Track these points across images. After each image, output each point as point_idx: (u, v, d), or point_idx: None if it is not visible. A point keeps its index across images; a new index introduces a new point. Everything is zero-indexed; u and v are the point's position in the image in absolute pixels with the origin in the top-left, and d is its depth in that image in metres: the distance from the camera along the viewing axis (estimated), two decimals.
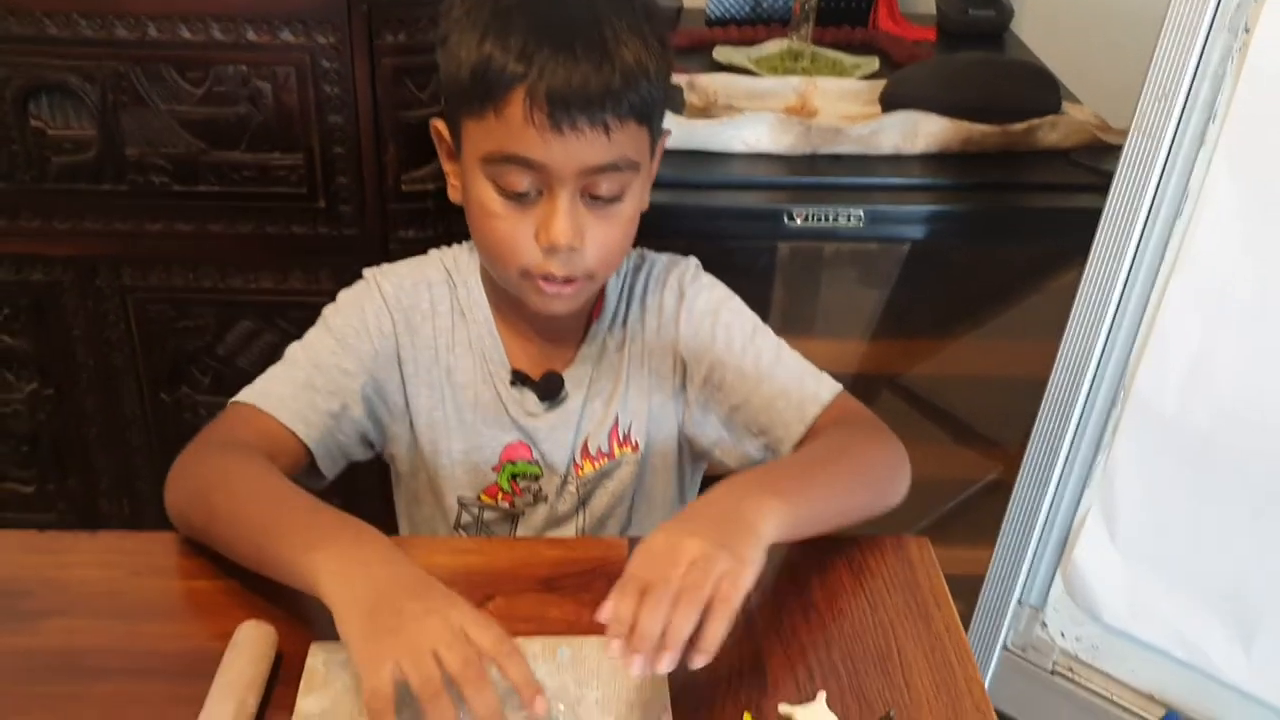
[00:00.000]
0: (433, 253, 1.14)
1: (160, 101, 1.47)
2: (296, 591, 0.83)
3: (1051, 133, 1.50)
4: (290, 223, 1.55)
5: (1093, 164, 1.46)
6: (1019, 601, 1.21)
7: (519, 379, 1.10)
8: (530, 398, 1.11)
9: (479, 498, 1.15)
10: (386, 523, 1.27)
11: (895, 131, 1.47)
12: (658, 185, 1.36)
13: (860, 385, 1.72)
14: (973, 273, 1.62)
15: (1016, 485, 1.18)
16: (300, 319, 1.12)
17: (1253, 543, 1.03)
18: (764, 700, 0.83)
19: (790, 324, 1.69)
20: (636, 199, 1.02)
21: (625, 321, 1.12)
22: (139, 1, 1.42)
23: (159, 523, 0.97)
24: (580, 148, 0.94)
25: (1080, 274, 1.10)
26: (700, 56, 1.77)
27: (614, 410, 1.12)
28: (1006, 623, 1.22)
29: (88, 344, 1.62)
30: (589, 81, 0.92)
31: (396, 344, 1.09)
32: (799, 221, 1.39)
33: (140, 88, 1.45)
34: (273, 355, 1.07)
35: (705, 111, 1.57)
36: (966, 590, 0.95)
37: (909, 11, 1.94)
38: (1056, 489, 1.15)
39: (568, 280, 1.00)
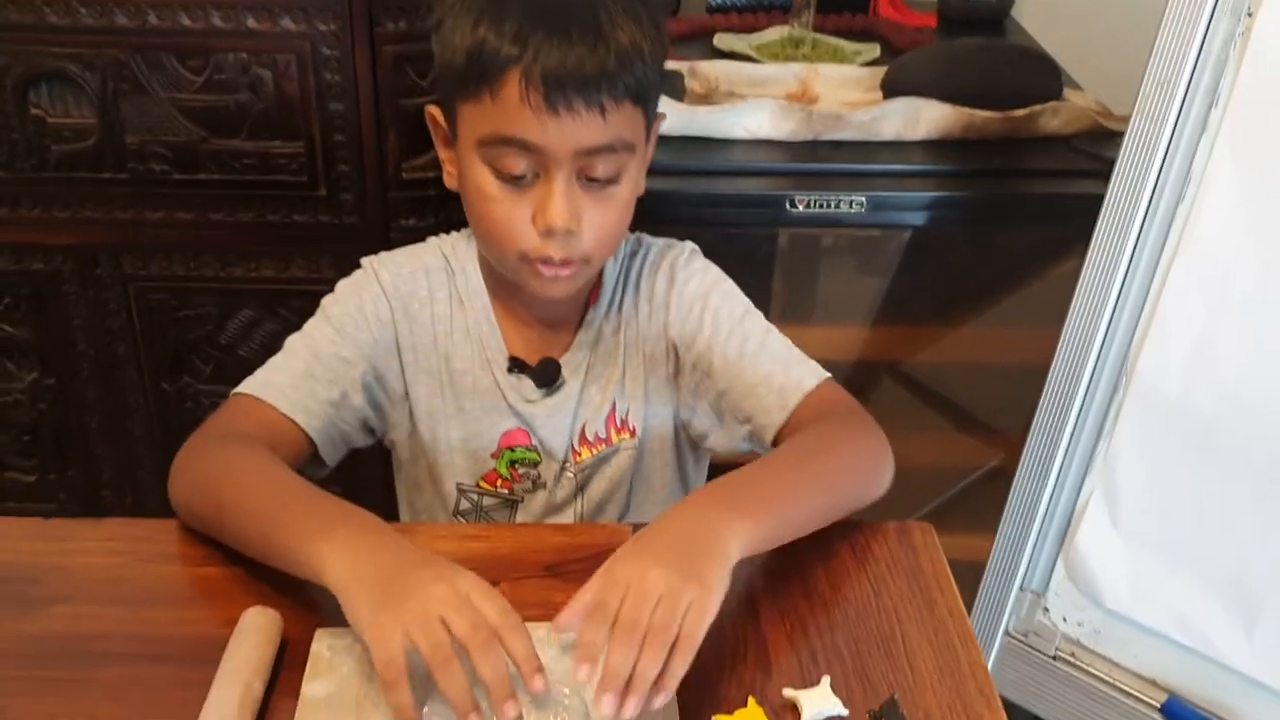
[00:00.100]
0: (431, 240, 1.14)
1: (160, 89, 1.46)
2: (301, 578, 0.84)
3: (1053, 119, 1.50)
4: (291, 211, 1.55)
5: (1094, 150, 1.46)
6: (1021, 587, 1.21)
7: (516, 366, 1.10)
8: (527, 384, 1.11)
9: (478, 484, 1.15)
10: (388, 510, 1.28)
11: (897, 118, 1.47)
12: (659, 172, 1.37)
13: (861, 372, 1.73)
14: (974, 259, 1.62)
15: (1018, 471, 1.18)
16: (301, 308, 1.12)
17: (1255, 526, 1.03)
18: (768, 684, 0.83)
19: (791, 311, 1.70)
20: (632, 181, 1.02)
21: (621, 307, 1.12)
22: None
23: (161, 512, 0.97)
24: (576, 129, 0.93)
25: (1081, 260, 1.10)
26: (701, 43, 1.77)
27: (611, 396, 1.13)
28: (1008, 608, 1.22)
29: (89, 333, 1.62)
30: (584, 63, 0.92)
31: (395, 332, 1.09)
32: (800, 208, 1.39)
33: (140, 76, 1.45)
34: (274, 344, 1.07)
35: (706, 98, 1.57)
36: (967, 577, 0.95)
37: None
38: (1058, 474, 1.16)
39: (565, 263, 1.00)
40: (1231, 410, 1.03)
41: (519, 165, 0.96)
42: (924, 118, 1.48)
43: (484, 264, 1.10)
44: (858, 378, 1.74)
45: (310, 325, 1.08)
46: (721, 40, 1.76)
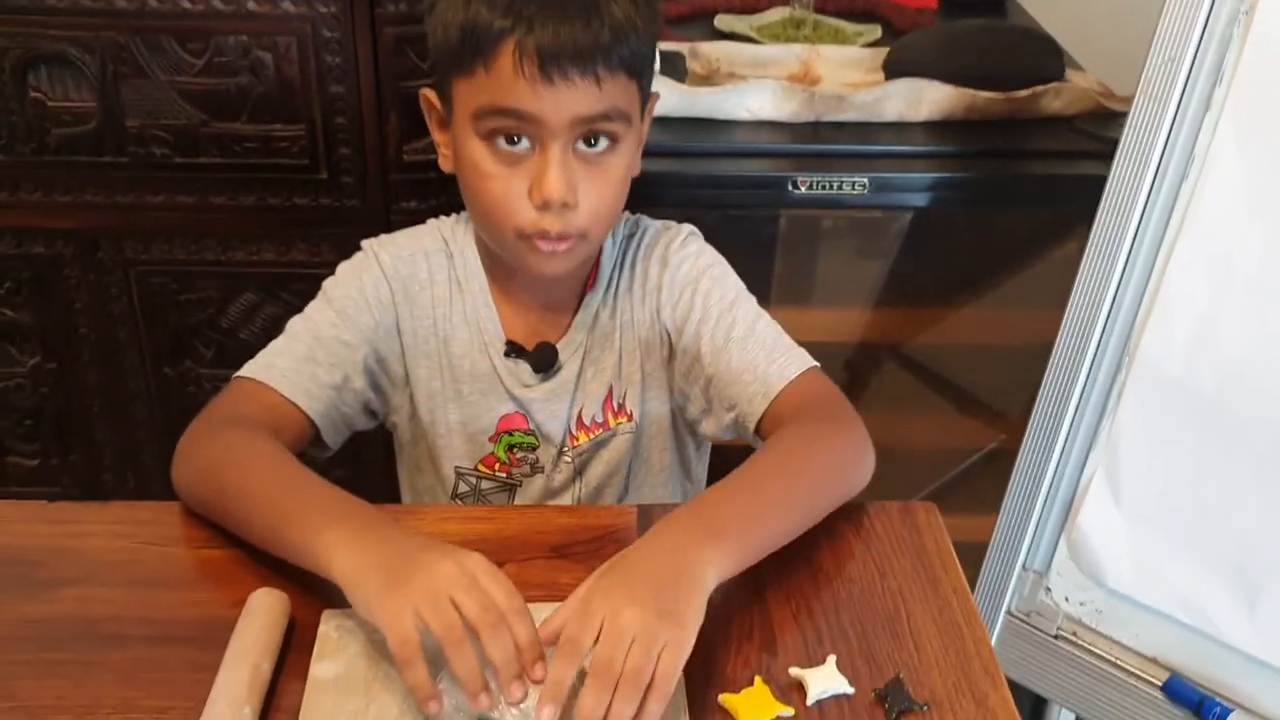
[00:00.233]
0: (430, 222, 1.14)
1: (160, 72, 1.46)
2: (305, 568, 0.84)
3: (1055, 100, 1.50)
4: (292, 194, 1.54)
5: (1096, 131, 1.46)
6: (1023, 567, 1.21)
7: (513, 350, 1.10)
8: (525, 369, 1.11)
9: (476, 468, 1.15)
10: (391, 493, 1.28)
11: (899, 99, 1.47)
12: (661, 153, 1.37)
13: (862, 354, 1.74)
14: (976, 241, 1.62)
15: (1021, 451, 1.18)
16: (303, 291, 1.13)
17: (1258, 506, 1.04)
18: (774, 664, 0.83)
19: (793, 293, 1.70)
20: (628, 157, 1.02)
21: (618, 291, 1.12)
22: None
23: (163, 496, 0.97)
24: (571, 98, 0.94)
25: (1083, 241, 1.10)
26: (702, 24, 1.76)
27: (608, 380, 1.13)
28: (1010, 588, 1.23)
29: (90, 317, 1.62)
30: (579, 36, 0.92)
31: (396, 314, 1.09)
32: (802, 189, 1.39)
33: (140, 58, 1.45)
34: (275, 327, 1.07)
35: (708, 79, 1.56)
36: (968, 557, 0.95)
37: None
38: (1061, 454, 1.16)
39: (562, 238, 0.99)
40: (1234, 390, 1.03)
41: (514, 136, 0.96)
42: (926, 99, 1.47)
43: (481, 247, 1.10)
44: (859, 360, 1.74)
45: (311, 308, 1.08)
46: (722, 21, 1.75)
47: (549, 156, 0.96)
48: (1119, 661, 1.16)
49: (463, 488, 1.16)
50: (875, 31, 1.74)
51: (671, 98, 1.43)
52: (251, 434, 0.96)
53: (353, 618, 0.84)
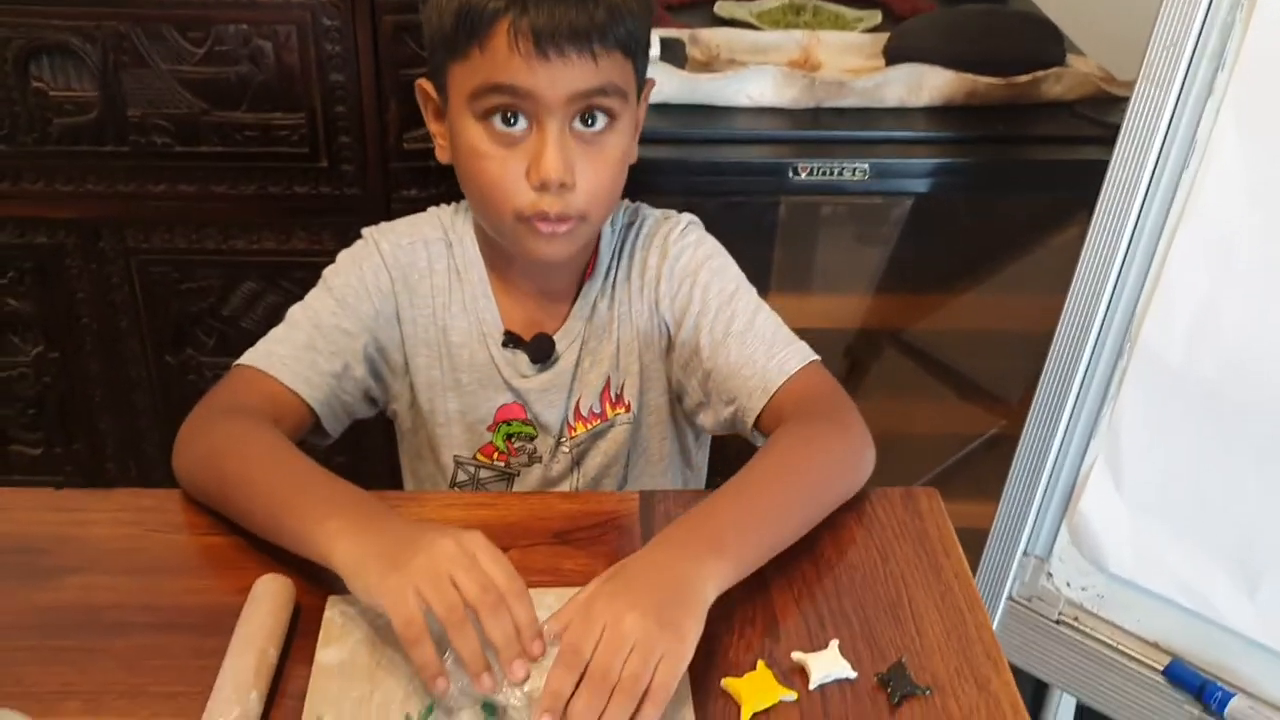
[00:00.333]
0: (430, 210, 1.14)
1: (161, 61, 1.46)
2: (305, 557, 0.84)
3: (1056, 85, 1.50)
4: (293, 183, 1.55)
5: (1097, 116, 1.46)
6: (1025, 553, 1.21)
7: (511, 340, 1.10)
8: (522, 359, 1.11)
9: (475, 457, 1.15)
10: (392, 480, 1.28)
11: (899, 85, 1.47)
12: (661, 140, 1.37)
13: (863, 341, 1.74)
14: (976, 227, 1.62)
15: (1022, 437, 1.18)
16: (304, 279, 1.13)
17: (1259, 491, 1.04)
18: (777, 649, 0.84)
19: (793, 280, 1.70)
20: (625, 138, 1.02)
21: (616, 280, 1.12)
22: None
23: (166, 484, 0.98)
24: (568, 74, 0.93)
25: (1084, 226, 1.10)
26: (702, 11, 1.76)
27: (605, 371, 1.13)
28: (1012, 574, 1.23)
29: (92, 307, 1.62)
30: (574, 17, 0.92)
31: (396, 303, 1.09)
32: (803, 175, 1.39)
33: (141, 48, 1.45)
34: (276, 316, 1.07)
35: (708, 66, 1.56)
36: (969, 543, 0.95)
37: None
38: (1062, 441, 1.16)
39: (561, 220, 0.99)
40: (1235, 376, 1.03)
41: (510, 108, 0.95)
42: (927, 84, 1.47)
43: (480, 236, 1.10)
44: (860, 346, 1.74)
45: (312, 296, 1.08)
46: (722, 8, 1.75)
47: (546, 136, 0.96)
48: (1120, 646, 1.16)
49: (461, 476, 1.16)
50: (875, 17, 1.74)
51: (672, 84, 1.43)
52: (252, 423, 0.96)
53: (357, 604, 0.84)
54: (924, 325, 1.74)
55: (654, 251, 1.11)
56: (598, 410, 1.14)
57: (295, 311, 1.07)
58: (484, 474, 1.16)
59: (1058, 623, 1.20)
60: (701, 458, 1.25)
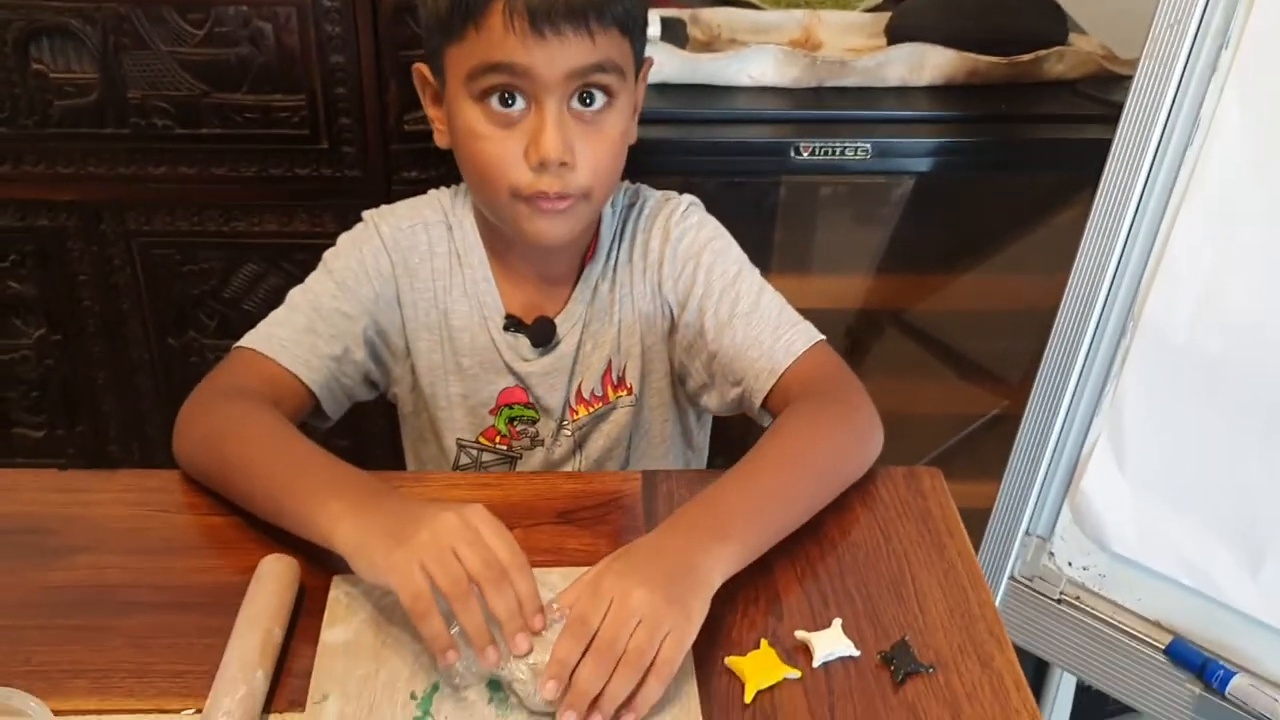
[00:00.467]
0: (431, 193, 1.14)
1: (161, 43, 1.46)
2: (307, 539, 0.85)
3: (1058, 64, 1.49)
4: (293, 165, 1.54)
5: (1099, 94, 1.46)
6: (1026, 532, 1.22)
7: (512, 324, 1.10)
8: (524, 343, 1.11)
9: (477, 440, 1.15)
10: (394, 463, 1.29)
11: (901, 64, 1.47)
12: (663, 120, 1.37)
13: (864, 321, 1.74)
14: (978, 206, 1.61)
15: (1024, 416, 1.18)
16: (305, 261, 1.13)
17: (1261, 470, 1.04)
18: (780, 627, 0.84)
19: (795, 260, 1.70)
20: (624, 117, 1.01)
21: (617, 263, 1.12)
22: None
23: (168, 466, 0.98)
24: (565, 51, 0.93)
25: (1087, 206, 1.10)
26: None
27: (607, 354, 1.12)
28: (1014, 553, 1.23)
29: (94, 289, 1.62)
30: None
31: (396, 286, 1.09)
32: (805, 155, 1.39)
33: (141, 29, 1.44)
34: (278, 298, 1.07)
35: (709, 45, 1.56)
36: (970, 523, 0.96)
37: None
38: (1065, 419, 1.16)
39: (561, 197, 0.99)
40: (1238, 354, 1.03)
41: (508, 92, 0.95)
42: (928, 63, 1.47)
43: (480, 219, 1.10)
44: (861, 327, 1.74)
45: (312, 279, 1.08)
46: None
47: (544, 115, 0.95)
48: (1122, 625, 1.16)
49: (464, 459, 1.17)
50: None
51: (672, 64, 1.43)
52: (252, 405, 0.96)
53: (361, 583, 0.84)
54: (925, 305, 1.74)
55: (655, 234, 1.10)
56: (599, 393, 1.14)
57: (295, 294, 1.07)
58: (486, 457, 1.16)
59: (1059, 602, 1.20)
60: (703, 438, 1.26)
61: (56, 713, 0.71)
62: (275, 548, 0.87)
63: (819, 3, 1.72)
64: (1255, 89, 0.98)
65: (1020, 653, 0.84)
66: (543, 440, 1.15)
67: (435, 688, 0.77)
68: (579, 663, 0.74)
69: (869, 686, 0.79)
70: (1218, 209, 1.02)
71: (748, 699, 0.78)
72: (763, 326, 1.04)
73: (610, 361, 1.12)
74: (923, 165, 1.45)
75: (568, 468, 1.16)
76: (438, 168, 1.53)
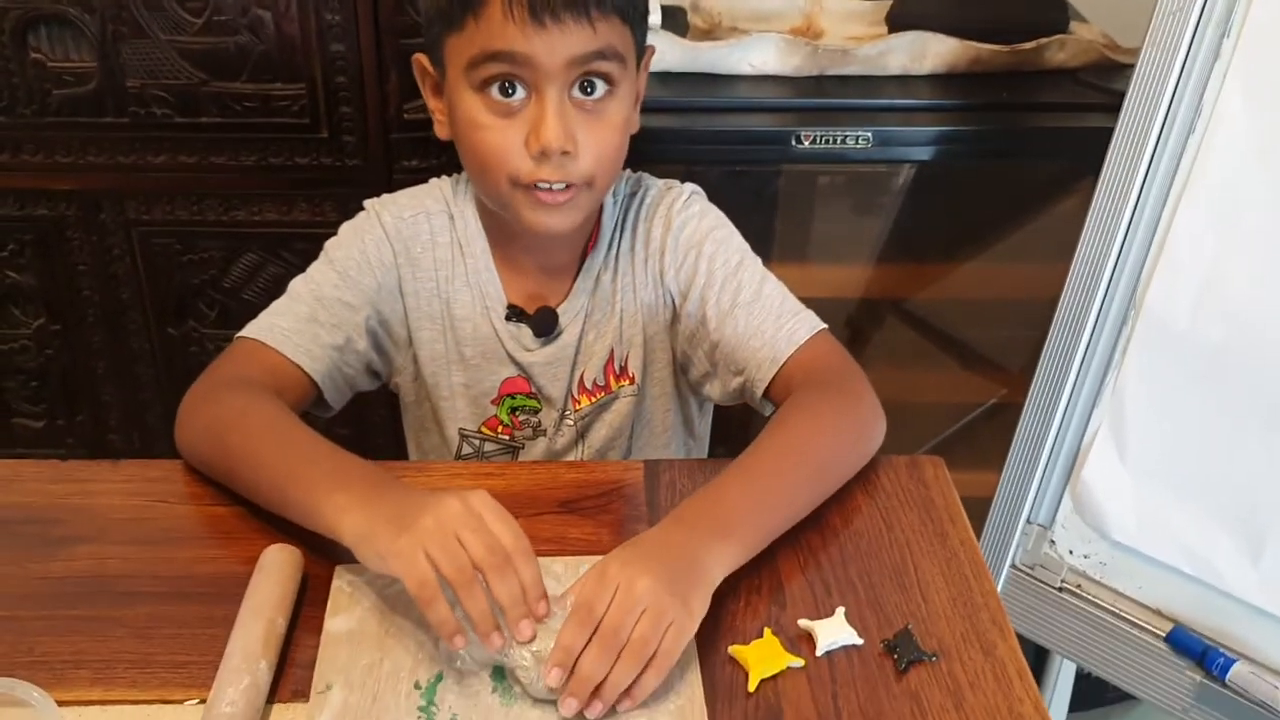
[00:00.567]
0: (433, 181, 1.14)
1: (160, 32, 1.45)
2: (312, 529, 0.85)
3: (1059, 52, 1.49)
4: (293, 154, 1.54)
5: (1101, 83, 1.45)
6: (1028, 520, 1.22)
7: (514, 314, 1.10)
8: (526, 333, 1.11)
9: (480, 430, 1.15)
10: (396, 452, 1.29)
11: (903, 52, 1.46)
12: (664, 109, 1.37)
13: (865, 310, 1.73)
14: (979, 195, 1.61)
15: (1026, 405, 1.18)
16: (305, 250, 1.13)
17: (1262, 458, 1.04)
18: (783, 616, 0.84)
19: (796, 249, 1.69)
20: (626, 105, 1.01)
21: (619, 252, 1.12)
22: None
23: (169, 456, 0.98)
24: (565, 39, 0.93)
25: (1088, 194, 1.10)
26: None
27: (609, 343, 1.12)
28: (1015, 541, 1.23)
29: (93, 279, 1.62)
30: None
31: (398, 275, 1.09)
32: (806, 144, 1.38)
33: (140, 18, 1.44)
34: (278, 287, 1.07)
35: (710, 34, 1.56)
36: (970, 511, 0.96)
37: None
38: (1066, 408, 1.16)
39: (565, 188, 0.99)
40: (1240, 342, 1.03)
41: (508, 81, 0.95)
42: (930, 51, 1.47)
43: (482, 209, 1.10)
44: (862, 315, 1.74)
45: (314, 269, 1.08)
46: None
47: (545, 103, 0.95)
48: (1123, 613, 1.17)
49: (466, 449, 1.17)
50: None
51: (673, 53, 1.43)
52: (254, 396, 0.96)
53: (365, 573, 0.84)
54: (926, 294, 1.74)
55: (657, 223, 1.10)
56: (601, 383, 1.14)
57: (297, 284, 1.07)
58: (489, 447, 1.16)
59: (1060, 590, 1.21)
60: (704, 427, 1.26)
61: (60, 703, 0.71)
62: (278, 538, 0.87)
63: None
64: (1257, 77, 0.98)
65: (1020, 640, 0.84)
66: (545, 430, 1.15)
67: (439, 677, 0.78)
68: (583, 650, 0.74)
69: (872, 675, 0.80)
70: (1219, 197, 1.02)
71: (751, 688, 0.78)
72: (765, 316, 1.04)
73: (612, 351, 1.12)
74: (924, 154, 1.45)
75: (570, 457, 1.16)
76: (438, 156, 1.53)
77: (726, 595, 0.84)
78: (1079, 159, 1.40)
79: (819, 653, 0.81)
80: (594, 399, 1.14)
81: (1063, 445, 1.18)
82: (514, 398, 1.14)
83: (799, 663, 0.80)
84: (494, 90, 0.96)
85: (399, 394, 1.19)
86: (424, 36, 1.03)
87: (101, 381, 1.70)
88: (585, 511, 0.94)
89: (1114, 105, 1.07)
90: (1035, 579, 1.22)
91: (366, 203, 1.11)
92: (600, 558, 0.80)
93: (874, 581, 0.87)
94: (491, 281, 1.10)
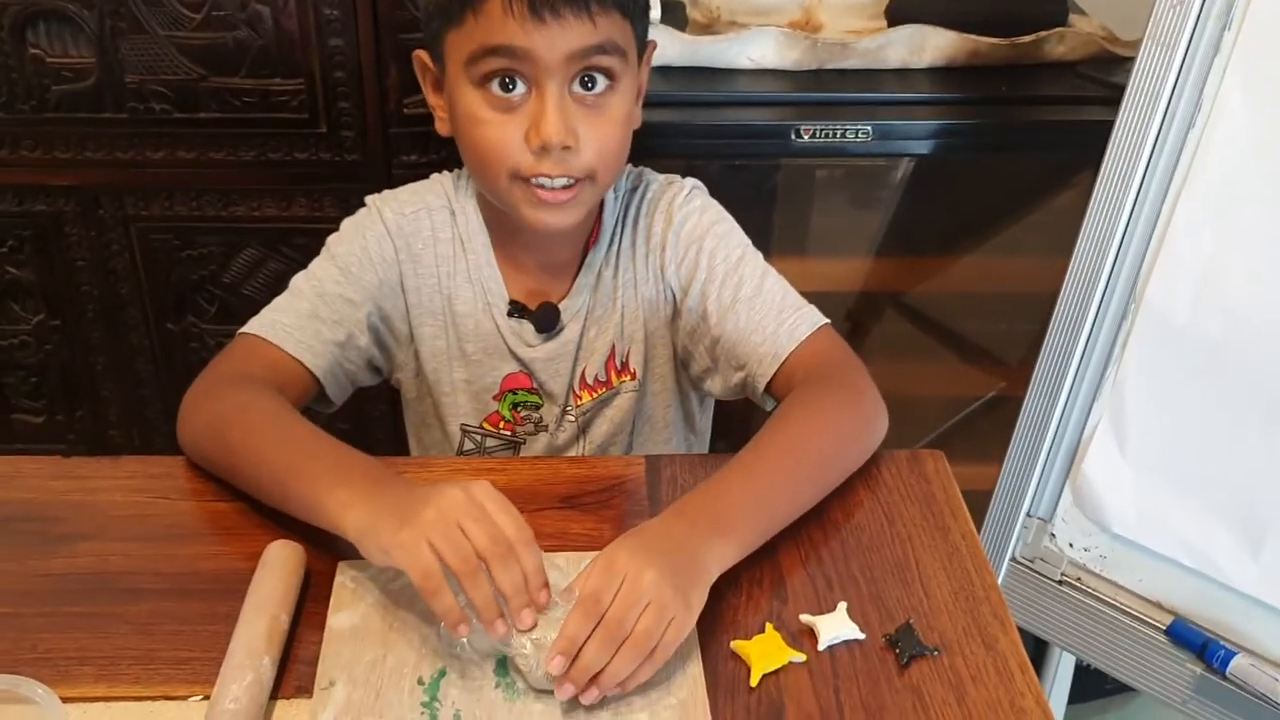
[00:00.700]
0: (434, 177, 1.13)
1: (159, 27, 1.45)
2: (315, 524, 0.85)
3: (1059, 45, 1.49)
4: (292, 149, 1.54)
5: (1100, 76, 1.45)
6: (1028, 514, 1.22)
7: (516, 310, 1.10)
8: (528, 329, 1.11)
9: (481, 425, 1.15)
10: (397, 448, 1.29)
11: (902, 46, 1.46)
12: (663, 103, 1.36)
13: (864, 304, 1.74)
14: (979, 188, 1.61)
15: (1026, 399, 1.19)
16: (305, 246, 1.13)
17: (1261, 451, 1.04)
18: (784, 610, 0.84)
19: (795, 243, 1.69)
20: (627, 100, 1.01)
21: (620, 248, 1.11)
22: None
23: (168, 451, 0.98)
24: (565, 34, 0.93)
25: (1087, 188, 1.10)
26: None
27: (610, 339, 1.12)
28: (1015, 535, 1.24)
29: (92, 274, 1.62)
30: None
31: (400, 271, 1.09)
32: (806, 138, 1.38)
33: (138, 13, 1.44)
34: (278, 282, 1.07)
35: (709, 28, 1.55)
36: (968, 505, 0.96)
37: None
38: (1066, 402, 1.16)
39: (566, 187, 0.98)
40: (1240, 336, 1.03)
41: (508, 76, 0.95)
42: (929, 45, 1.46)
43: (483, 205, 1.10)
44: (861, 309, 1.74)
45: (315, 265, 1.08)
46: None
47: (546, 98, 0.95)
48: (1123, 606, 1.17)
49: (468, 445, 1.17)
50: None
51: (672, 47, 1.43)
52: (256, 391, 0.96)
53: (368, 569, 0.84)
54: (925, 287, 1.74)
55: (658, 218, 1.10)
56: (603, 378, 1.14)
57: (299, 280, 1.07)
58: (490, 443, 1.16)
59: (1060, 583, 1.21)
60: (705, 422, 1.26)
61: (64, 700, 0.71)
62: (281, 534, 0.87)
63: None
64: (1258, 71, 0.98)
65: (1022, 634, 0.85)
66: (546, 425, 1.15)
67: (442, 673, 0.78)
68: (587, 641, 0.74)
69: (874, 669, 0.80)
70: (1219, 191, 1.02)
71: (753, 682, 0.78)
72: (766, 311, 1.04)
73: (614, 346, 1.12)
74: (923, 147, 1.44)
75: (571, 453, 1.16)
76: (438, 152, 1.53)
77: (728, 590, 0.84)
78: (1078, 153, 1.40)
79: (821, 647, 0.81)
80: (595, 394, 1.14)
81: (1063, 439, 1.18)
82: (515, 393, 1.14)
83: (801, 657, 0.80)
84: (494, 85, 0.96)
85: (400, 390, 1.19)
86: (423, 32, 1.03)
87: (101, 377, 1.70)
88: (587, 507, 0.94)
89: (1114, 99, 1.07)
90: (1035, 572, 1.23)
91: (368, 198, 1.11)
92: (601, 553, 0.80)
93: (875, 576, 0.88)
94: (493, 277, 1.10)
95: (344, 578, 0.85)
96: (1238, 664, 1.08)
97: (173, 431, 0.98)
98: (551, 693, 0.76)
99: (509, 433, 1.16)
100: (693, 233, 1.09)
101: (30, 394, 1.72)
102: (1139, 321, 1.09)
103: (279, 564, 0.82)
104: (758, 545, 0.87)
